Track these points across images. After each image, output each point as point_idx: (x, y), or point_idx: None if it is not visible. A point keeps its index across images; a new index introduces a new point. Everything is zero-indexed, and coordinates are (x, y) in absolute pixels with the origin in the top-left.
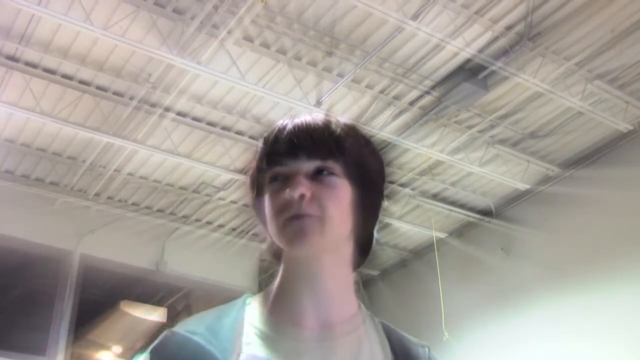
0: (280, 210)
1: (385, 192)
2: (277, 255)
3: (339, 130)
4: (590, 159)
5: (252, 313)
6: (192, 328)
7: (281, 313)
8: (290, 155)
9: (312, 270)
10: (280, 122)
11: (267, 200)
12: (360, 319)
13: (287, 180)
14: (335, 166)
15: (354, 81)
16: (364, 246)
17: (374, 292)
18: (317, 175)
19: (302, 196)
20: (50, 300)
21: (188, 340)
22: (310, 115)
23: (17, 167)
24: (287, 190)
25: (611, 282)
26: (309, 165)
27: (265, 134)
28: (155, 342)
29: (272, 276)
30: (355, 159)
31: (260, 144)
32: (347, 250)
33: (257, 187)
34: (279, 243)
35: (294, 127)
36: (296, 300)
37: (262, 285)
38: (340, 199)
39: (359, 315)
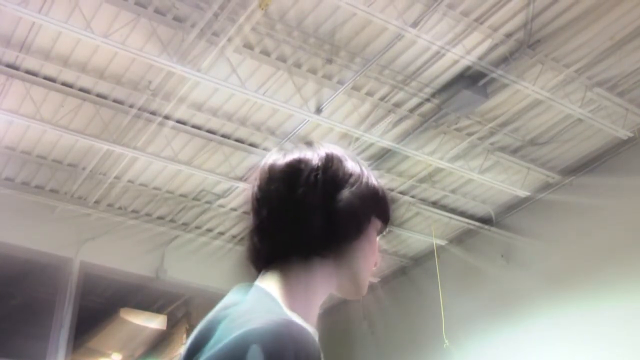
0: (373, 264)
1: None
2: (317, 248)
3: None
4: (590, 166)
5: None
6: (305, 326)
7: (311, 320)
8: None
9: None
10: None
11: (372, 241)
12: None
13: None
14: None
15: (354, 88)
16: None
17: (374, 299)
18: None
19: None
20: (50, 307)
21: (314, 338)
22: None
23: (17, 174)
24: (378, 256)
25: (612, 289)
26: None
27: (388, 193)
28: (277, 333)
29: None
30: None
31: (386, 194)
32: None
33: (373, 216)
34: (357, 280)
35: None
36: (316, 314)
37: None
38: None
39: None
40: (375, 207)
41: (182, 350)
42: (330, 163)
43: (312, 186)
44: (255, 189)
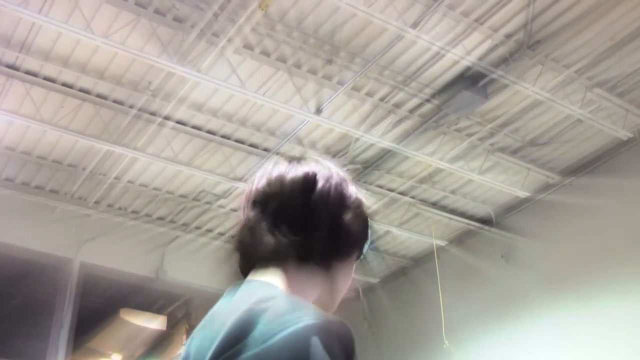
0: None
1: None
2: (315, 256)
3: None
4: (590, 167)
5: None
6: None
7: None
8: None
9: None
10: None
11: (349, 270)
12: None
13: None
14: None
15: (354, 89)
16: None
17: (374, 300)
18: None
19: None
20: (50, 308)
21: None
22: None
23: (17, 175)
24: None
25: (612, 289)
26: None
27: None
28: (333, 329)
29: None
30: None
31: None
32: None
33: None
34: (334, 294)
35: None
36: None
37: None
38: None
39: None
40: (365, 236)
41: (206, 343)
42: (340, 181)
43: (326, 198)
44: (261, 189)
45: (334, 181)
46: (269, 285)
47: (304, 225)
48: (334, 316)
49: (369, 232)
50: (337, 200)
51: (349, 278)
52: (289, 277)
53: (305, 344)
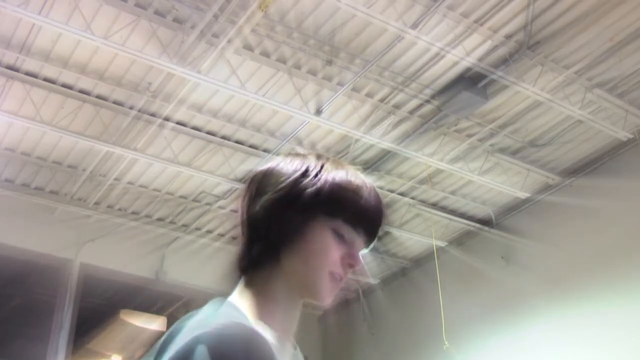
0: (334, 264)
1: None
2: (259, 263)
3: None
4: (590, 168)
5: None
6: (254, 326)
7: (277, 327)
8: (371, 237)
9: (299, 305)
10: (372, 188)
11: (321, 239)
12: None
13: (352, 246)
14: None
15: (354, 90)
16: None
17: (374, 301)
18: None
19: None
20: (50, 309)
21: (265, 340)
22: (382, 199)
23: (17, 176)
24: (354, 258)
25: (613, 290)
26: (363, 245)
27: (374, 192)
28: (224, 335)
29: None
30: None
31: (365, 191)
32: None
33: (316, 213)
34: (308, 281)
35: (383, 212)
36: (289, 322)
37: None
38: None
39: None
40: (318, 206)
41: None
42: (263, 175)
43: (249, 198)
44: None
45: (259, 176)
46: (222, 302)
47: (245, 232)
48: (246, 325)
49: (328, 197)
50: (256, 193)
51: (325, 256)
52: (253, 286)
53: (189, 353)
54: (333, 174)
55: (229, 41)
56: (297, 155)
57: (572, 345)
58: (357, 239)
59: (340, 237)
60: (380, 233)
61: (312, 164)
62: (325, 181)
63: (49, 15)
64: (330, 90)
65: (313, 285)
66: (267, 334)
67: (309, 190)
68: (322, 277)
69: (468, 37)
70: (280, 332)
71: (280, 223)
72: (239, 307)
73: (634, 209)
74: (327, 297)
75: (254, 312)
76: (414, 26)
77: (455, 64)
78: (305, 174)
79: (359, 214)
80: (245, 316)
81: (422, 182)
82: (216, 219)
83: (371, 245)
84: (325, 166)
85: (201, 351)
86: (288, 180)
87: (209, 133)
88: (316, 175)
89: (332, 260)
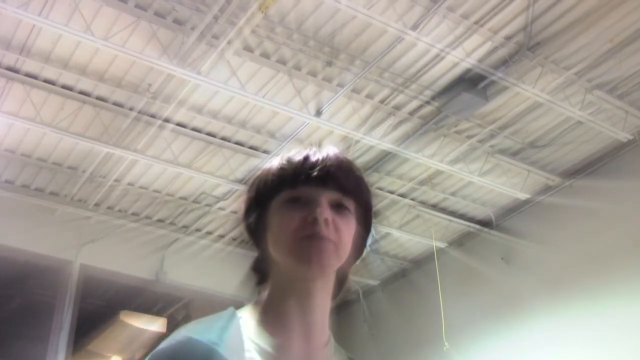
0: (298, 229)
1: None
2: (262, 271)
3: (358, 172)
4: (590, 169)
5: (246, 327)
6: (211, 338)
7: (273, 331)
8: (319, 181)
9: (305, 292)
10: (306, 149)
11: (277, 217)
12: (332, 349)
13: (308, 203)
14: (350, 204)
15: (354, 91)
16: (342, 280)
17: (374, 302)
18: (335, 207)
19: (326, 220)
20: (50, 310)
21: (214, 353)
22: (332, 149)
23: (17, 177)
24: (312, 211)
25: (613, 291)
26: (332, 195)
27: (288, 155)
28: (171, 348)
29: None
30: (365, 202)
31: (277, 162)
32: (332, 281)
33: (264, 201)
34: (286, 260)
35: (325, 157)
36: (288, 321)
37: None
38: (351, 233)
39: (330, 345)
40: (266, 194)
41: None
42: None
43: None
44: None
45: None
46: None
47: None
48: (186, 337)
49: (267, 177)
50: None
51: (283, 225)
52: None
53: None
54: (278, 157)
55: (229, 42)
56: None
57: (572, 346)
58: (315, 194)
59: (295, 202)
60: (340, 176)
61: (274, 163)
62: (269, 169)
63: (49, 17)
64: (331, 92)
65: (291, 260)
66: (264, 341)
67: (257, 188)
68: (292, 248)
69: (468, 38)
70: (283, 339)
71: (252, 231)
72: (246, 315)
73: (634, 209)
74: (311, 262)
75: (258, 319)
76: (414, 27)
77: (455, 65)
78: (257, 174)
79: (300, 171)
80: (221, 329)
81: (422, 183)
82: (216, 220)
83: (348, 193)
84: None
85: None
86: (250, 190)
87: (209, 134)
88: (266, 166)
89: (292, 227)
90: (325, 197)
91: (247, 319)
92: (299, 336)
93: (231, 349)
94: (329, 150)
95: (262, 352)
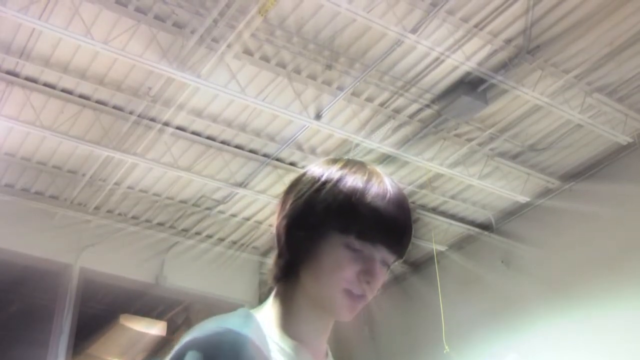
0: (349, 281)
1: None
2: (278, 277)
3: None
4: (590, 172)
5: (267, 328)
6: (247, 332)
7: (295, 336)
8: (390, 245)
9: (326, 322)
10: (392, 196)
11: (333, 256)
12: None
13: (367, 260)
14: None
15: (354, 94)
16: None
17: (374, 305)
18: (382, 263)
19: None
20: (50, 314)
21: (255, 346)
22: (406, 200)
23: (17, 181)
24: (370, 272)
25: (612, 295)
26: (388, 257)
27: (379, 198)
28: (213, 337)
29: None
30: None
31: (362, 193)
32: None
33: (325, 229)
34: (323, 298)
35: (405, 220)
36: (313, 333)
37: (262, 298)
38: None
39: (329, 357)
40: (328, 222)
41: None
42: (289, 188)
43: (278, 212)
44: None
45: (289, 188)
46: (242, 311)
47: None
48: (227, 329)
49: (343, 210)
50: (282, 207)
51: (337, 272)
52: (277, 295)
53: (179, 358)
54: (348, 185)
55: (229, 46)
56: (326, 162)
57: (572, 350)
58: (376, 253)
59: (356, 252)
60: (406, 242)
61: (332, 175)
62: (336, 195)
63: (49, 20)
64: (330, 95)
65: (328, 303)
66: (283, 343)
67: (318, 207)
68: (335, 294)
69: (468, 41)
70: (299, 342)
71: (292, 244)
72: (261, 315)
73: (634, 213)
74: (345, 314)
75: (277, 321)
76: (414, 31)
77: (455, 68)
78: (320, 188)
79: (372, 227)
80: (246, 324)
81: (421, 186)
82: (216, 224)
83: (401, 257)
84: (343, 176)
85: (191, 356)
86: (301, 199)
87: (208, 138)
88: (331, 188)
89: (345, 277)
90: (382, 256)
91: (264, 321)
92: (310, 344)
93: (262, 345)
94: (404, 204)
95: (282, 352)
